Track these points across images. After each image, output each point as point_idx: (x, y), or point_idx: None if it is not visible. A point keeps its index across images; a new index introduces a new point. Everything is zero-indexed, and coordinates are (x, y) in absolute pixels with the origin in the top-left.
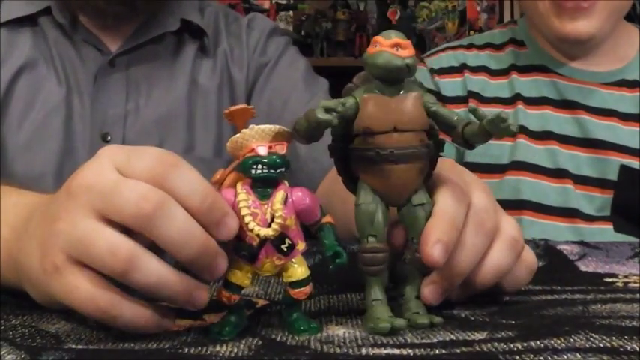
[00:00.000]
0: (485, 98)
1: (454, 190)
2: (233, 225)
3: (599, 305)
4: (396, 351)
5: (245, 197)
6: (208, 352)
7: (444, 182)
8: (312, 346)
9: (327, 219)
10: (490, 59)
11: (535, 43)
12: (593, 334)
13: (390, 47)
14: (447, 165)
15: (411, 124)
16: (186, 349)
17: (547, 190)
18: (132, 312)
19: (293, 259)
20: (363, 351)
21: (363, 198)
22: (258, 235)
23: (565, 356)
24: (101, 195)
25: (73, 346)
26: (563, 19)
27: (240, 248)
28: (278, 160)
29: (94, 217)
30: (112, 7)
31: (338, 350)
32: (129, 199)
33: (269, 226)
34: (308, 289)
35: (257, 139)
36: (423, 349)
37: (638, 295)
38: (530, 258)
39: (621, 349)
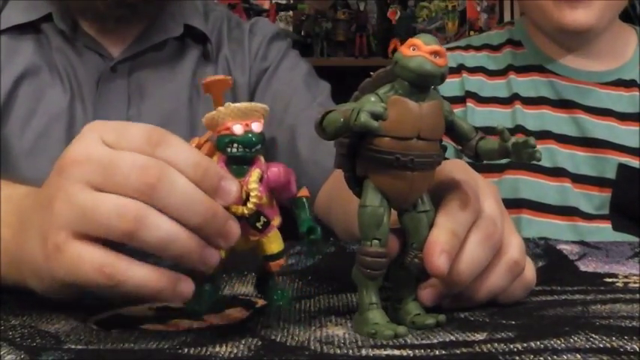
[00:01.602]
0: (483, 98)
1: (462, 197)
2: (232, 187)
3: (599, 306)
4: (396, 352)
5: None
6: (208, 352)
7: (453, 187)
8: (312, 347)
9: (303, 192)
10: (488, 60)
11: (533, 43)
12: (593, 335)
13: (428, 53)
14: (458, 167)
15: (432, 133)
16: (186, 350)
17: (546, 189)
18: (142, 274)
19: (269, 235)
20: (363, 352)
21: (371, 200)
22: (233, 213)
23: (565, 357)
24: (98, 168)
25: (73, 347)
26: (562, 9)
27: None
28: (254, 139)
29: (89, 189)
30: (112, 11)
31: (338, 351)
32: (129, 170)
33: (244, 203)
34: (282, 261)
35: (233, 117)
36: (422, 350)
37: (638, 296)
38: (528, 276)
39: (621, 350)
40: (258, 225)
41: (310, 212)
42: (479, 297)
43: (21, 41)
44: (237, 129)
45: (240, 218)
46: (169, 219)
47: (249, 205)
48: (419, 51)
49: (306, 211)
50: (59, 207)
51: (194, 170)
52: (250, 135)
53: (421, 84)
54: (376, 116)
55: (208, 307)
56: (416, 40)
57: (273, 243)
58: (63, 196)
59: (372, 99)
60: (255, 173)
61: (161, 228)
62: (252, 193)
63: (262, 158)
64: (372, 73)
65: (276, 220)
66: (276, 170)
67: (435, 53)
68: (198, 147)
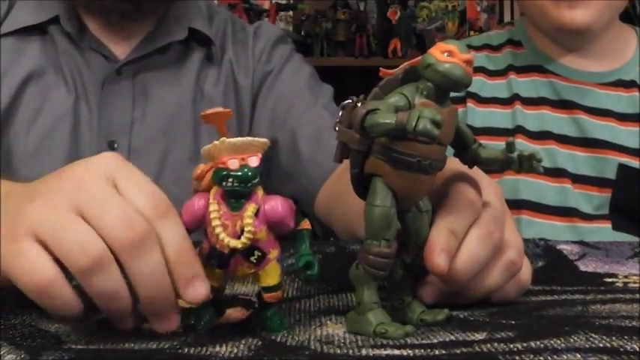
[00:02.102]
0: (483, 99)
1: (463, 195)
2: (201, 290)
3: (599, 305)
4: (396, 352)
5: (216, 208)
6: (208, 352)
7: (455, 185)
8: (312, 347)
9: (304, 224)
10: (488, 60)
11: (533, 43)
12: (593, 335)
13: (463, 62)
14: (461, 165)
15: (448, 139)
16: (186, 350)
17: (545, 190)
18: (69, 297)
19: (265, 267)
20: (363, 352)
21: (383, 200)
22: (227, 247)
23: (565, 356)
24: (90, 198)
25: (73, 346)
26: (561, 8)
27: (212, 255)
28: (250, 174)
29: (72, 211)
30: (117, 5)
31: (338, 351)
32: (117, 217)
33: (239, 237)
34: (279, 294)
35: (228, 152)
36: (423, 350)
37: (638, 296)
38: (523, 277)
39: (621, 350)
40: (253, 259)
41: (310, 246)
42: (473, 294)
43: (27, 43)
44: (233, 164)
45: (235, 251)
46: (122, 276)
47: (243, 239)
48: (454, 58)
49: (305, 245)
50: (39, 205)
51: (179, 254)
52: (246, 170)
53: (448, 89)
54: (436, 124)
55: (208, 329)
56: (451, 47)
57: (270, 276)
58: (48, 198)
59: (397, 98)
60: (250, 208)
61: (117, 280)
62: (246, 228)
63: (260, 191)
64: (381, 69)
65: (273, 253)
66: (273, 204)
67: (467, 62)
68: (202, 175)
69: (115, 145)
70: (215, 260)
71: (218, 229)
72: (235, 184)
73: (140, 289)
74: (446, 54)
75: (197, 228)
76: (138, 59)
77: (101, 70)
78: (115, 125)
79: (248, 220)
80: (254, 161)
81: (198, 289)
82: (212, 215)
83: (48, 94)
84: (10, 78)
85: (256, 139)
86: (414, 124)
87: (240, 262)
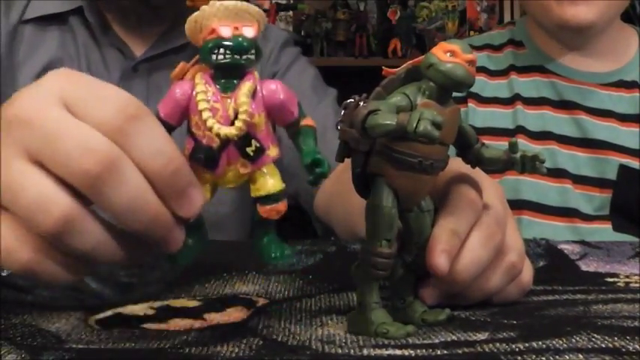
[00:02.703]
0: (484, 99)
1: (465, 195)
2: (197, 200)
3: (601, 305)
4: (398, 352)
5: (204, 89)
6: (209, 352)
7: (456, 185)
8: (314, 347)
9: (307, 121)
10: (489, 60)
11: (534, 43)
12: (595, 335)
13: (466, 62)
14: (463, 165)
15: (450, 139)
16: (187, 349)
17: (546, 190)
18: (56, 269)
19: (263, 168)
20: (365, 352)
21: (386, 200)
22: (218, 135)
23: (567, 357)
24: (40, 135)
25: (74, 346)
26: (563, 5)
27: (197, 151)
28: (245, 43)
29: (26, 159)
30: (135, 8)
31: (339, 351)
32: (72, 149)
33: (232, 124)
34: (281, 206)
35: (219, 18)
36: (424, 350)
37: (639, 296)
38: (525, 278)
39: (623, 350)
40: (249, 151)
41: (316, 143)
42: (474, 297)
43: (46, 32)
44: (225, 31)
45: (227, 143)
46: (100, 224)
47: (238, 123)
48: (457, 58)
49: (311, 142)
50: None
51: (163, 164)
52: (241, 39)
53: (451, 89)
54: (437, 125)
55: (192, 260)
56: (453, 47)
57: (270, 179)
58: None
59: (399, 98)
60: (246, 86)
61: (93, 235)
62: (241, 109)
63: (256, 74)
64: (384, 67)
65: (273, 151)
66: (273, 87)
67: (470, 62)
68: (183, 71)
69: None
70: (201, 159)
71: (206, 114)
72: (227, 55)
73: (124, 224)
74: (448, 54)
75: (179, 122)
76: (153, 57)
77: (118, 66)
78: None
79: (244, 99)
80: (250, 32)
81: (194, 200)
82: (199, 97)
83: None
84: (28, 68)
85: (252, 6)
86: (414, 126)
87: (233, 157)
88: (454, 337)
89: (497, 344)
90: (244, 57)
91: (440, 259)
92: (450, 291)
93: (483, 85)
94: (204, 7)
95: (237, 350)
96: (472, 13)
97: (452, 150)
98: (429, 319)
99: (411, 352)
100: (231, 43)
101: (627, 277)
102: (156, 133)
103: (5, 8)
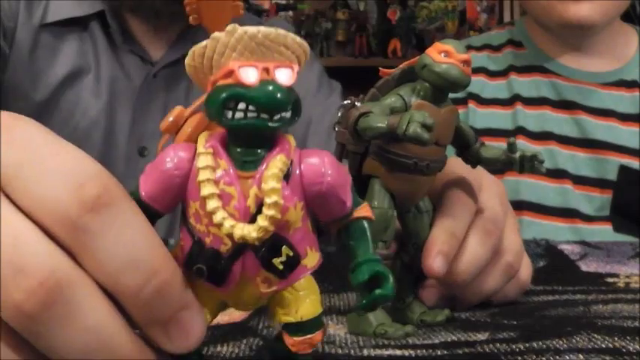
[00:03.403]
0: (484, 99)
1: (461, 195)
2: (195, 329)
3: (601, 306)
4: (398, 352)
5: (210, 162)
6: (209, 352)
7: (453, 185)
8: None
9: (364, 210)
10: (488, 60)
11: (533, 43)
12: (595, 335)
13: (460, 62)
14: (461, 165)
15: (447, 139)
16: None
17: (546, 191)
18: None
19: (296, 284)
20: (365, 352)
21: (380, 202)
22: (230, 237)
23: (567, 357)
24: None
25: None
26: (566, 2)
27: (196, 256)
28: (279, 95)
29: None
30: (167, 7)
31: (339, 351)
32: (12, 280)
33: (253, 219)
34: (317, 336)
35: (240, 54)
36: (424, 350)
37: (639, 296)
38: (523, 277)
39: (623, 350)
40: (277, 263)
41: (375, 247)
42: (472, 299)
43: (65, 38)
44: (249, 75)
45: (244, 247)
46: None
47: (262, 222)
48: (451, 58)
49: (367, 243)
50: None
51: (139, 282)
52: (272, 87)
53: (446, 90)
54: (427, 127)
55: None
56: (448, 47)
57: (304, 300)
58: None
59: (393, 99)
60: (277, 162)
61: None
62: (267, 199)
63: (291, 138)
64: (381, 68)
65: (311, 258)
66: (316, 161)
67: (465, 62)
68: (178, 121)
69: (146, 152)
70: (202, 270)
71: (213, 203)
72: (250, 115)
73: None
74: (443, 54)
75: (169, 207)
76: (173, 63)
77: (138, 72)
78: (148, 130)
79: (272, 184)
80: (286, 76)
81: (191, 330)
82: (202, 176)
83: (84, 97)
84: (48, 78)
85: (292, 34)
86: (404, 128)
87: (252, 269)
88: (454, 338)
89: (498, 344)
90: (276, 117)
91: (435, 261)
92: (449, 291)
93: (483, 85)
94: (216, 35)
95: (237, 350)
96: (472, 13)
97: (451, 150)
98: (427, 320)
99: (411, 352)
100: (257, 95)
101: (627, 277)
102: (131, 229)
103: (27, 7)
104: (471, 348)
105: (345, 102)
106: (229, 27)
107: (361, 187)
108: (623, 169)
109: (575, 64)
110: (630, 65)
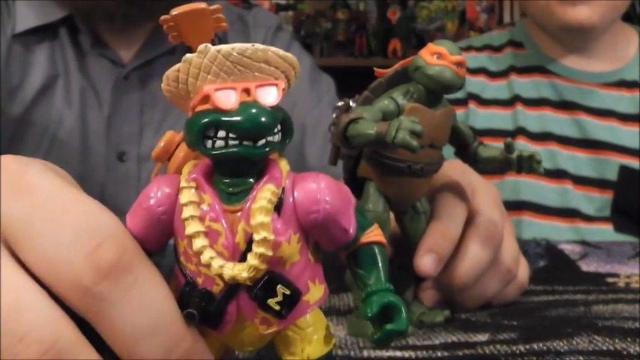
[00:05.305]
0: (485, 100)
1: (454, 198)
2: None
3: (601, 306)
4: (398, 353)
5: (193, 197)
6: None
7: (446, 188)
8: None
9: (372, 236)
10: (489, 61)
11: (534, 44)
12: (595, 337)
13: (453, 64)
14: (456, 168)
15: (442, 141)
16: None
17: (547, 191)
18: None
19: (298, 322)
20: (365, 353)
21: (374, 205)
22: (221, 277)
23: (568, 359)
24: None
25: None
26: (565, 5)
27: (188, 297)
28: (262, 118)
29: None
30: (121, 9)
31: (339, 352)
32: (22, 339)
33: (244, 257)
34: None
35: (216, 75)
36: (425, 352)
37: (639, 296)
38: (521, 278)
39: (624, 352)
40: (273, 303)
41: (387, 276)
42: (471, 303)
43: (35, 49)
44: (225, 99)
45: (236, 288)
46: None
47: (252, 261)
48: (444, 60)
49: (379, 273)
50: None
51: (160, 351)
52: (254, 110)
53: (440, 92)
54: (416, 134)
55: None
56: (440, 49)
57: (309, 337)
58: None
59: (386, 102)
60: (265, 192)
61: None
62: (256, 235)
63: (284, 164)
64: (375, 69)
65: (315, 292)
66: (311, 187)
67: (459, 64)
68: (170, 147)
69: (125, 157)
70: (194, 313)
71: (200, 242)
72: (232, 143)
73: None
74: (435, 56)
75: (159, 245)
76: (145, 63)
77: (109, 76)
78: (125, 134)
79: (261, 218)
80: (269, 95)
81: None
82: (186, 213)
83: (56, 107)
84: (23, 91)
85: (273, 48)
86: (392, 135)
87: (248, 310)
88: (454, 339)
89: (498, 346)
90: (261, 142)
91: (423, 260)
92: (449, 295)
93: (484, 86)
94: (187, 57)
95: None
96: (472, 14)
97: (451, 149)
98: (426, 320)
99: (411, 353)
100: (237, 120)
101: (627, 277)
102: (150, 295)
103: (4, 18)
104: (472, 349)
105: (340, 103)
106: (200, 47)
107: (356, 190)
108: (624, 170)
109: (575, 65)
110: (630, 65)
